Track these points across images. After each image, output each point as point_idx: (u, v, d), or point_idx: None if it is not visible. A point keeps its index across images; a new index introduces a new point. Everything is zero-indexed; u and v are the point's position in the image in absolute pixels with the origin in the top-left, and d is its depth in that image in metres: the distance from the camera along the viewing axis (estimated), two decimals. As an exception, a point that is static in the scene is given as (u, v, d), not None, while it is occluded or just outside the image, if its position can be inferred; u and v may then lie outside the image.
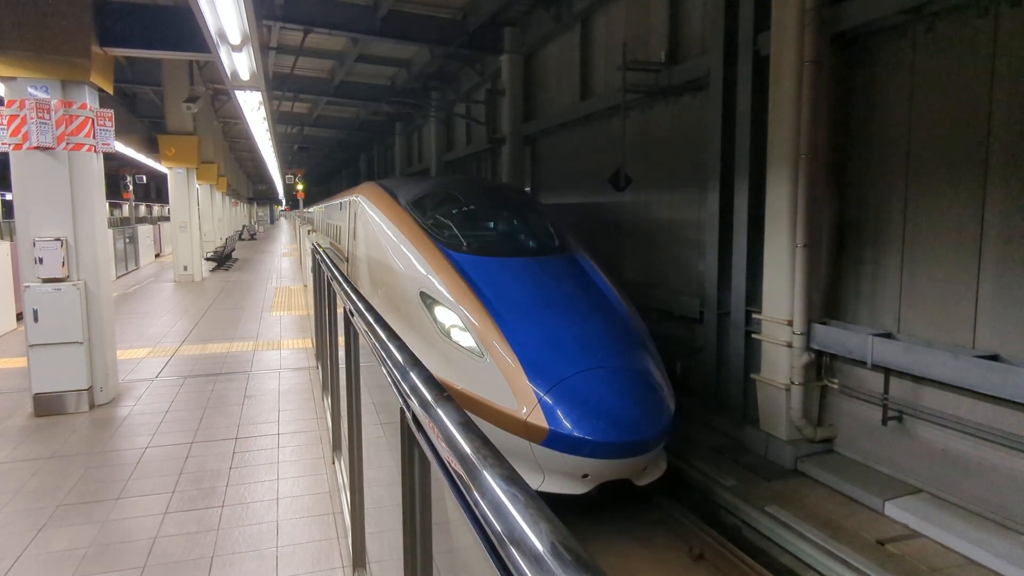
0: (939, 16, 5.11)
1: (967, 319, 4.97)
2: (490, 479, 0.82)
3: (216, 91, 17.28)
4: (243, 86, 7.40)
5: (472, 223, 6.92)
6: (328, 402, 4.67)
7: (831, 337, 5.79)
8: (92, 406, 5.28)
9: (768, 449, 6.22)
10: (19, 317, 8.66)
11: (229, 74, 6.75)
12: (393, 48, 14.85)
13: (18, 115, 4.89)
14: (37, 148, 4.95)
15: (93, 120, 5.20)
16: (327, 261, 4.28)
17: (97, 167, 5.37)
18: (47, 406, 5.12)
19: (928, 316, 5.28)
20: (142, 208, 40.91)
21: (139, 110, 19.29)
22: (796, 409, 5.98)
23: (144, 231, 19.07)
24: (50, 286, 5.06)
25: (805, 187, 5.75)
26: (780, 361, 6.15)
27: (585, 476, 4.75)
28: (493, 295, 5.50)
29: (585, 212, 10.71)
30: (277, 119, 20.66)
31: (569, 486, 4.79)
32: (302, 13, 11.37)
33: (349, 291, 2.73)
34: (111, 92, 5.82)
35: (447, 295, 5.54)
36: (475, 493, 0.82)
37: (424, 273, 5.87)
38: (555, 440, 4.58)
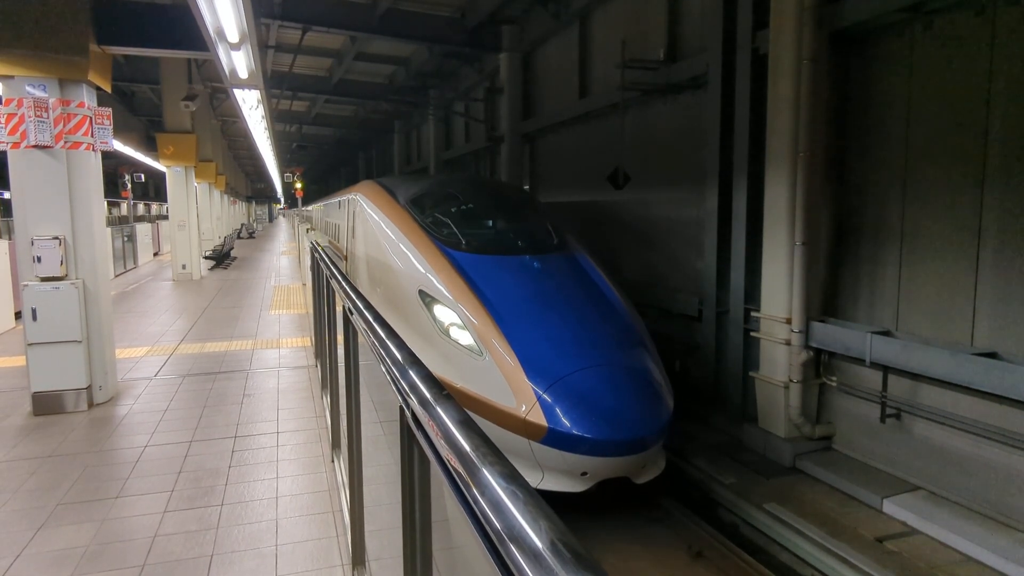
0: (937, 14, 5.11)
1: (965, 317, 4.97)
2: (489, 477, 0.82)
3: (214, 89, 17.25)
4: (241, 84, 7.39)
5: (471, 221, 6.91)
6: (327, 400, 4.67)
7: (830, 335, 5.80)
8: (91, 405, 5.28)
9: (767, 447, 6.23)
10: (18, 316, 8.65)
11: (227, 72, 6.74)
12: (392, 46, 14.82)
13: (16, 113, 4.88)
14: (35, 147, 4.94)
15: (91, 118, 5.19)
16: (326, 259, 4.27)
17: (95, 165, 5.36)
18: (46, 405, 5.11)
19: (926, 314, 5.29)
20: (140, 206, 40.84)
21: (137, 108, 19.25)
22: (795, 407, 5.99)
23: (142, 229, 19.03)
24: (48, 285, 5.06)
25: (804, 185, 5.76)
26: (779, 359, 6.15)
27: (584, 474, 4.75)
28: (492, 293, 5.50)
29: (584, 210, 10.70)
30: (275, 117, 20.61)
31: (568, 484, 4.80)
32: (300, 11, 11.34)
33: (348, 289, 2.72)
34: (109, 90, 5.81)
35: (446, 293, 5.54)
36: (474, 491, 0.82)
37: (423, 271, 5.87)
38: (554, 438, 4.59)
